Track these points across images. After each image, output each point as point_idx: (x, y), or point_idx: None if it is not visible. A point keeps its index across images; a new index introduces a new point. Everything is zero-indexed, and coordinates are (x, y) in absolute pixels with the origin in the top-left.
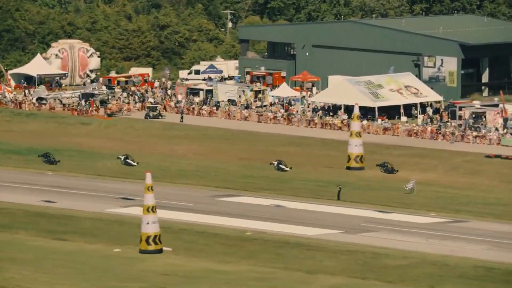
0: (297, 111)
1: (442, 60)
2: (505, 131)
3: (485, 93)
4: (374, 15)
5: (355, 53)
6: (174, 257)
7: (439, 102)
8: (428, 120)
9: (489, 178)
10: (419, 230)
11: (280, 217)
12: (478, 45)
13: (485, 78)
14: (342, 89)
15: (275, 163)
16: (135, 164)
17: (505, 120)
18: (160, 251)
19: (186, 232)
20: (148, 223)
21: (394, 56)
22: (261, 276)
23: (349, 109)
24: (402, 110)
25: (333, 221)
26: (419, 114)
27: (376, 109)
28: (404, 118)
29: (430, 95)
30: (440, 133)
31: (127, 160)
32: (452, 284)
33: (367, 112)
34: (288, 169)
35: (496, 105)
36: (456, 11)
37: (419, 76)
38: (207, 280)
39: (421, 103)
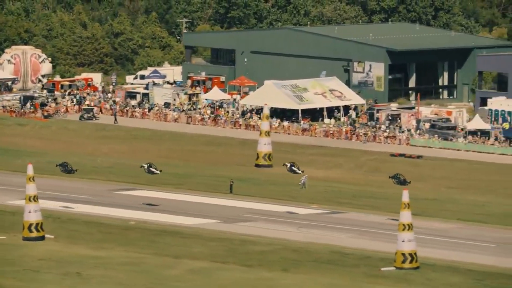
0: (224, 113)
1: (370, 65)
2: (417, 131)
3: (412, 98)
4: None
5: (290, 59)
6: (54, 244)
7: (362, 105)
8: (349, 122)
9: (388, 175)
10: (294, 220)
11: (168, 209)
12: (405, 51)
13: (412, 83)
14: (268, 92)
15: (288, 165)
16: (158, 172)
17: (418, 121)
18: (42, 238)
19: (72, 221)
20: (30, 212)
21: (326, 61)
22: (131, 260)
23: (276, 111)
24: (325, 113)
25: (216, 212)
26: (342, 116)
27: (300, 111)
28: (327, 120)
29: (354, 99)
30: (354, 134)
31: (150, 169)
32: (305, 267)
33: (292, 114)
34: (300, 171)
35: (412, 108)
36: (411, 21)
37: (348, 81)
38: (78, 264)
39: (345, 106)
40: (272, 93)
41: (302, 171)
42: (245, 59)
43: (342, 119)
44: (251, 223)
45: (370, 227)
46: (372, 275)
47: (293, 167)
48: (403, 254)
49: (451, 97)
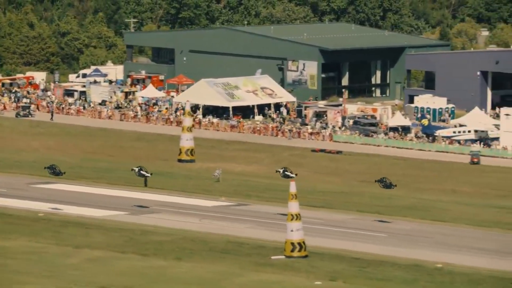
0: (164, 110)
1: (304, 64)
2: (343, 128)
3: (346, 96)
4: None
5: (227, 58)
6: None
7: (293, 102)
8: (279, 119)
9: (306, 169)
10: (200, 212)
11: (80, 201)
12: (338, 50)
13: (345, 81)
14: (201, 90)
15: (281, 170)
16: (148, 175)
17: (343, 118)
18: None
19: None
20: None
21: (262, 60)
22: (32, 250)
23: (209, 109)
24: (256, 110)
25: (126, 204)
26: (273, 113)
27: (231, 109)
28: (258, 117)
29: (285, 96)
30: (280, 130)
31: (141, 172)
32: (199, 256)
33: (224, 111)
34: (293, 175)
35: (339, 105)
36: (360, 22)
37: (283, 79)
38: None
39: (276, 104)
40: (205, 91)
41: (296, 175)
42: (184, 58)
43: (272, 116)
44: (157, 214)
45: (271, 218)
46: (262, 263)
47: (286, 172)
48: (292, 243)
49: (384, 95)
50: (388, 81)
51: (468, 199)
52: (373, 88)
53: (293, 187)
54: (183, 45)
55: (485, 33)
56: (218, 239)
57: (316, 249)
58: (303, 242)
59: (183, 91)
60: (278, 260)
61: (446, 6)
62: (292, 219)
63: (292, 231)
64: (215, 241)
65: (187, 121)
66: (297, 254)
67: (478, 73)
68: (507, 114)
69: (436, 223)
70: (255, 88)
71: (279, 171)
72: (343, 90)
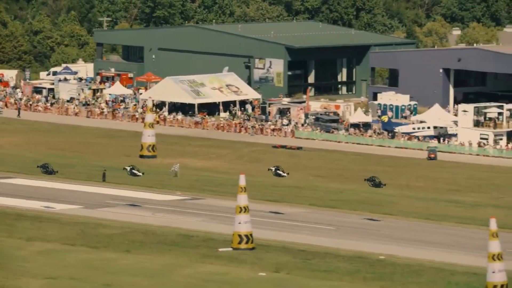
0: (132, 107)
1: (270, 62)
2: (305, 124)
3: (312, 93)
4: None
5: (196, 56)
6: None
7: (258, 99)
8: (244, 116)
9: (265, 165)
10: (154, 206)
11: (36, 196)
12: (304, 48)
13: (311, 79)
14: (167, 87)
15: (273, 169)
16: (140, 174)
17: (306, 115)
18: None
19: None
20: None
21: (229, 58)
22: None
23: (176, 106)
24: (221, 107)
25: (82, 199)
26: (238, 110)
27: (196, 106)
28: (223, 114)
29: (250, 93)
30: (243, 127)
31: (133, 171)
32: (148, 248)
33: (189, 108)
34: (285, 174)
35: (303, 102)
36: (333, 21)
37: (250, 76)
38: None
39: (242, 100)
40: (170, 88)
41: (287, 174)
42: (153, 56)
43: (237, 113)
44: (111, 208)
45: (223, 212)
46: (209, 255)
47: (278, 171)
48: (240, 235)
49: (350, 92)
50: (354, 79)
51: (421, 194)
52: (339, 86)
53: (242, 180)
54: (152, 43)
55: (456, 32)
56: (168, 232)
57: (264, 242)
58: (250, 235)
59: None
60: (225, 252)
61: (420, 6)
62: (240, 212)
63: (240, 223)
64: (165, 233)
65: (149, 117)
66: (244, 246)
67: (441, 70)
68: (464, 111)
69: (386, 217)
70: (221, 85)
71: (271, 169)
72: (307, 87)
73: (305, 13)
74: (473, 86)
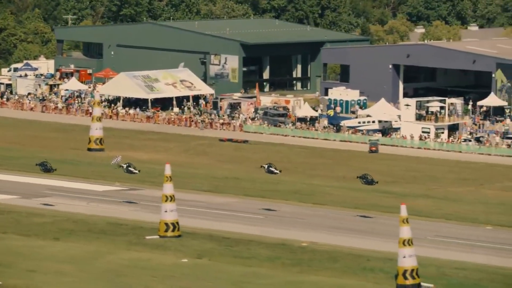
0: (75, 102)
1: (226, 58)
2: (255, 119)
3: (266, 89)
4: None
5: (153, 52)
6: None
7: (211, 94)
8: (197, 110)
9: (210, 157)
10: (90, 196)
11: None
12: (258, 44)
13: (266, 75)
14: (121, 82)
15: (265, 166)
16: (136, 172)
17: (256, 109)
18: None
19: None
20: None
21: (185, 54)
22: None
23: (130, 101)
24: (174, 102)
25: (20, 189)
26: (191, 105)
27: (150, 100)
28: (176, 109)
29: (203, 89)
30: (193, 121)
31: (129, 168)
32: (77, 236)
33: (144, 103)
34: (277, 171)
35: (253, 97)
36: (299, 19)
37: (205, 72)
38: None
39: (195, 96)
40: (125, 84)
41: (280, 171)
42: (112, 52)
43: (190, 107)
44: (47, 198)
45: (158, 202)
46: (135, 242)
47: (270, 168)
48: (166, 224)
49: (305, 88)
50: (309, 75)
51: (356, 185)
52: (294, 82)
53: (167, 170)
54: (111, 39)
55: (420, 30)
56: (99, 221)
57: (191, 230)
58: (177, 223)
59: None
60: (151, 239)
61: (386, 5)
62: (166, 201)
63: (166, 211)
64: (95, 222)
65: (96, 111)
66: (171, 234)
67: (390, 66)
68: (407, 105)
69: (316, 206)
70: (175, 80)
71: (263, 167)
72: (264, 83)
73: (271, 12)
74: (423, 82)
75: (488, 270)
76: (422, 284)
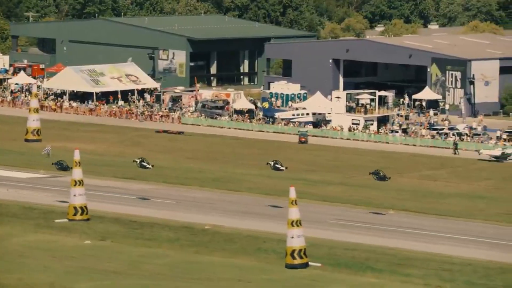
0: (23, 96)
1: (173, 53)
2: (193, 111)
3: (214, 83)
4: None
5: (104, 47)
6: None
7: (156, 88)
8: (143, 104)
9: (144, 147)
10: (11, 183)
11: None
12: (205, 40)
13: (214, 70)
14: (67, 76)
15: (272, 163)
16: (150, 166)
17: (196, 102)
18: None
19: None
20: None
21: (135, 49)
22: None
23: (77, 95)
24: (119, 96)
25: None
26: (136, 98)
27: (94, 94)
28: (121, 102)
29: (148, 83)
30: (133, 114)
31: (142, 163)
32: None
33: (89, 96)
34: (283, 168)
35: (193, 90)
36: (260, 18)
37: (154, 67)
38: None
39: (141, 89)
40: (71, 77)
41: (286, 168)
42: (64, 48)
43: (135, 101)
44: None
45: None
46: (44, 226)
47: (276, 165)
48: (75, 207)
49: (252, 83)
50: (256, 70)
51: (276, 173)
52: (242, 77)
53: (76, 155)
54: (64, 35)
55: (380, 28)
56: (13, 205)
57: (102, 214)
58: (85, 206)
59: None
60: (60, 223)
61: (349, 4)
62: (75, 185)
63: (75, 196)
64: (9, 206)
65: (33, 103)
66: (79, 218)
67: (330, 61)
68: (337, 97)
69: (229, 192)
70: (120, 74)
71: (269, 164)
72: (211, 78)
73: (235, 10)
74: (365, 76)
75: (377, 250)
76: (310, 263)
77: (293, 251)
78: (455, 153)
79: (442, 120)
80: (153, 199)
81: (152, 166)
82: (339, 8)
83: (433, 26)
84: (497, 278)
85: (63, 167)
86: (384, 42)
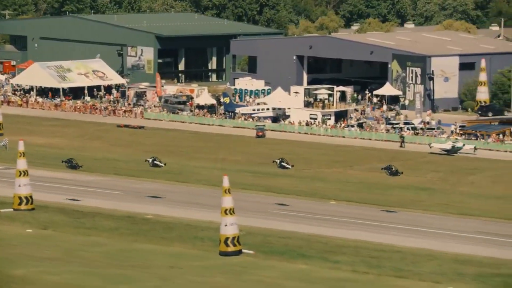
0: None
1: (142, 50)
2: (160, 107)
3: (182, 80)
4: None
5: (73, 44)
6: None
7: (123, 84)
8: (110, 99)
9: (103, 141)
10: None
11: None
12: (173, 37)
13: (182, 66)
14: (34, 72)
15: (278, 161)
16: (162, 165)
17: (160, 98)
18: None
19: None
20: None
21: (104, 46)
22: None
23: (45, 91)
24: (86, 91)
25: None
26: (103, 94)
27: (61, 90)
28: (88, 98)
29: (115, 79)
30: (97, 109)
31: (155, 162)
32: None
33: (56, 92)
34: (289, 166)
35: (161, 86)
36: (238, 16)
37: (122, 64)
38: None
39: (108, 85)
40: (38, 73)
41: (292, 166)
42: (36, 45)
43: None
44: None
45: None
46: None
47: (282, 163)
48: (20, 197)
49: (220, 79)
50: (224, 67)
51: (229, 166)
52: (210, 73)
53: (20, 146)
54: (35, 32)
55: (356, 27)
56: None
57: (47, 204)
58: (30, 196)
59: None
60: (5, 212)
61: (327, 3)
62: (20, 175)
63: (20, 186)
64: None
65: None
66: (24, 207)
67: (294, 57)
68: (296, 92)
69: (179, 184)
70: (87, 71)
71: (275, 162)
72: (179, 74)
73: (213, 9)
74: (330, 73)
75: (310, 239)
76: (243, 250)
77: (227, 238)
78: (401, 146)
79: (397, 115)
80: (100, 190)
81: (165, 164)
82: (317, 7)
83: (409, 25)
84: (425, 265)
85: (73, 165)
86: (347, 39)
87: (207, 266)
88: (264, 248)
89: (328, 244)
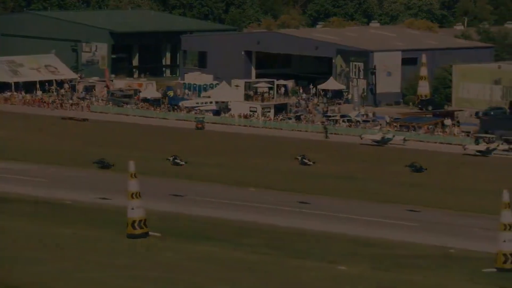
0: None
1: (96, 46)
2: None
3: (136, 75)
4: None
5: (31, 40)
6: None
7: (75, 79)
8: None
9: (45, 133)
10: None
11: None
12: (127, 33)
13: (136, 62)
14: None
15: (299, 158)
16: (183, 163)
17: (108, 92)
18: None
19: None
20: None
21: (59, 42)
22: None
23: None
24: (38, 86)
25: None
26: (55, 88)
27: (13, 84)
28: (39, 92)
29: (67, 74)
30: (45, 102)
31: (176, 160)
32: None
33: (7, 87)
34: (311, 163)
35: (110, 80)
36: (204, 15)
37: (77, 59)
38: None
39: (60, 80)
40: None
41: (313, 163)
42: None
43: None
44: None
45: None
46: None
47: (304, 159)
48: None
49: (174, 75)
50: (178, 62)
51: (153, 155)
52: (164, 69)
53: None
54: None
55: (320, 26)
56: None
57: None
58: None
59: None
60: None
61: (295, 2)
62: None
63: None
64: None
65: None
66: None
67: (243, 52)
68: (236, 86)
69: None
70: (39, 65)
71: (297, 158)
72: (133, 70)
73: (180, 8)
74: (279, 68)
75: (218, 222)
76: (150, 233)
77: (134, 221)
78: (326, 137)
79: (335, 108)
80: (28, 178)
81: (186, 162)
82: (284, 6)
83: (374, 24)
84: (325, 247)
85: (105, 165)
86: (293, 34)
87: (111, 248)
88: (172, 231)
89: (236, 227)
